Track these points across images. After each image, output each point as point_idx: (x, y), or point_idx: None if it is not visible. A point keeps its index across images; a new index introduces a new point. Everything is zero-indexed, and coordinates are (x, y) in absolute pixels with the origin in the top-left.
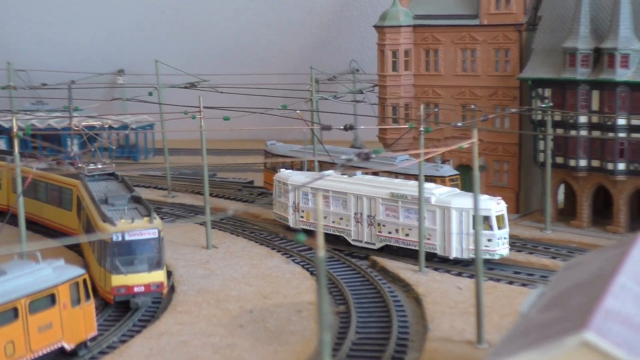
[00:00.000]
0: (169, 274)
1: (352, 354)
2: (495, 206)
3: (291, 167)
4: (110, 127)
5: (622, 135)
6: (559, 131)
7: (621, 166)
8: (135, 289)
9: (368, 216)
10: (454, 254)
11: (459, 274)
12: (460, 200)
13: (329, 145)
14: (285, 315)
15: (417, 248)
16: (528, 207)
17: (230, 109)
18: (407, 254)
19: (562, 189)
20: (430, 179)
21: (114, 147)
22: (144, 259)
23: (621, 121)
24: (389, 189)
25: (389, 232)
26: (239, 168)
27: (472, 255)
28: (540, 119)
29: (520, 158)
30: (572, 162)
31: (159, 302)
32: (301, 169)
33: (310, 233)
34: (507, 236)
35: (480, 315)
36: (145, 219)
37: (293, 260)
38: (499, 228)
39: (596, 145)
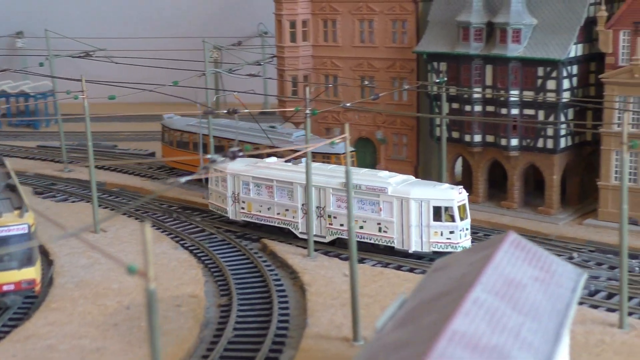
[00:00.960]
0: (51, 262)
1: (226, 355)
2: (457, 196)
3: (188, 143)
4: (6, 95)
5: (515, 111)
6: (454, 106)
7: (514, 142)
8: (4, 288)
9: (317, 207)
10: (414, 247)
11: (347, 258)
12: (420, 190)
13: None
14: (163, 312)
15: (373, 242)
16: (427, 179)
17: (117, 85)
18: (362, 248)
19: (460, 162)
20: (325, 156)
21: (13, 115)
22: (13, 255)
23: (514, 97)
24: (340, 178)
25: (341, 225)
26: (144, 137)
27: (433, 249)
28: (436, 93)
29: (418, 131)
30: (467, 137)
31: (36, 297)
32: (196, 145)
33: (251, 226)
34: (469, 227)
35: (355, 310)
36: (16, 212)
37: (183, 244)
38: (461, 219)
39: (490, 122)
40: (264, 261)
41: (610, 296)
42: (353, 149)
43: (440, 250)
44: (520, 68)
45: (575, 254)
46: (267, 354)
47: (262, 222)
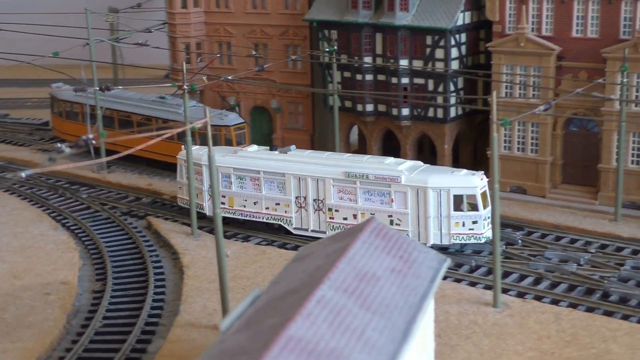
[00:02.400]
0: None
1: (91, 347)
2: (479, 182)
3: (78, 114)
4: None
5: (405, 80)
6: (346, 75)
7: (405, 112)
8: None
9: (315, 200)
10: (432, 240)
11: (234, 236)
12: (438, 178)
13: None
14: (29, 302)
15: None
16: (323, 149)
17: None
18: None
19: (356, 130)
20: (214, 128)
21: None
22: None
23: (404, 65)
24: (341, 167)
25: (344, 218)
26: (39, 104)
27: (454, 241)
28: (327, 61)
29: (313, 100)
30: (359, 107)
31: None
32: (79, 115)
33: (233, 222)
34: (490, 215)
35: (225, 299)
36: None
37: (64, 224)
38: (484, 207)
39: (381, 91)
40: (147, 241)
41: (489, 272)
42: (243, 121)
43: (463, 242)
44: (409, 37)
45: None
46: (134, 345)
47: (247, 218)
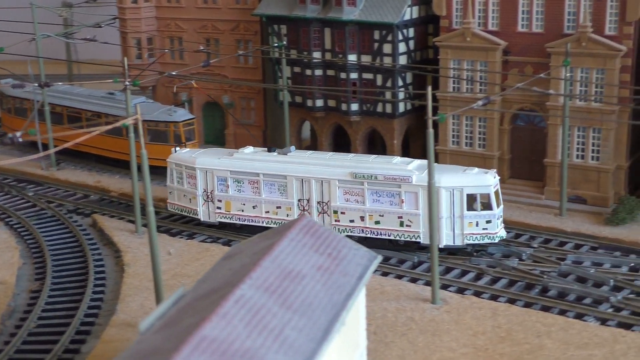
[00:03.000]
0: None
1: (23, 348)
2: (492, 181)
3: (27, 110)
4: None
5: (354, 75)
6: (296, 70)
7: (355, 107)
8: None
9: (319, 203)
10: (444, 241)
11: (179, 234)
12: (450, 177)
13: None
14: None
15: (393, 238)
16: (277, 144)
17: None
18: (378, 245)
19: (309, 126)
20: (164, 124)
21: None
22: None
23: (352, 60)
24: (347, 168)
25: (351, 221)
26: None
27: (467, 241)
28: (277, 57)
29: (265, 95)
30: (309, 102)
31: None
32: (27, 111)
33: (230, 227)
34: (502, 213)
35: (160, 296)
36: None
37: (8, 222)
38: (497, 206)
39: (331, 86)
40: (90, 239)
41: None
42: (192, 117)
43: (476, 242)
44: (357, 32)
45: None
46: (67, 345)
47: (245, 223)
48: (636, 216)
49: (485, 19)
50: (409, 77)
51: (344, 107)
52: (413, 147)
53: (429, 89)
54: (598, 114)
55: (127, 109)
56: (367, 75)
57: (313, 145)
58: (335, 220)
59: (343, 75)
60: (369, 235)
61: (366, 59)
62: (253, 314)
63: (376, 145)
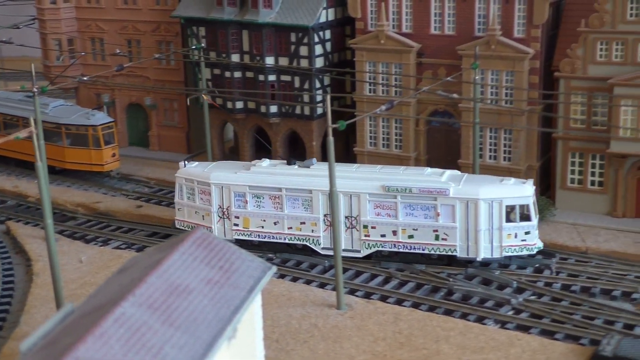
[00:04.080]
0: None
1: None
2: (531, 191)
3: None
4: None
5: (272, 77)
6: (215, 72)
7: (274, 109)
8: None
9: (347, 217)
10: (482, 254)
11: (94, 239)
12: (489, 189)
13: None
14: None
15: (428, 252)
16: (200, 146)
17: None
18: (410, 260)
19: (232, 127)
20: (82, 128)
21: None
22: None
23: (270, 63)
24: (378, 180)
25: (382, 235)
26: None
27: (505, 254)
28: (196, 59)
29: (187, 97)
30: (229, 104)
31: None
32: None
33: (248, 244)
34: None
35: (61, 308)
36: None
37: None
38: (535, 216)
39: (250, 88)
40: (2, 247)
41: (344, 271)
42: (111, 120)
43: (514, 254)
44: (273, 34)
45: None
46: None
47: (265, 240)
48: (546, 216)
49: (399, 21)
50: (326, 79)
51: (263, 109)
52: (336, 147)
53: (328, 98)
54: (508, 115)
55: (37, 114)
56: (285, 78)
57: (236, 146)
58: (365, 235)
59: (261, 77)
60: (401, 250)
61: (284, 61)
62: (132, 332)
63: (299, 147)
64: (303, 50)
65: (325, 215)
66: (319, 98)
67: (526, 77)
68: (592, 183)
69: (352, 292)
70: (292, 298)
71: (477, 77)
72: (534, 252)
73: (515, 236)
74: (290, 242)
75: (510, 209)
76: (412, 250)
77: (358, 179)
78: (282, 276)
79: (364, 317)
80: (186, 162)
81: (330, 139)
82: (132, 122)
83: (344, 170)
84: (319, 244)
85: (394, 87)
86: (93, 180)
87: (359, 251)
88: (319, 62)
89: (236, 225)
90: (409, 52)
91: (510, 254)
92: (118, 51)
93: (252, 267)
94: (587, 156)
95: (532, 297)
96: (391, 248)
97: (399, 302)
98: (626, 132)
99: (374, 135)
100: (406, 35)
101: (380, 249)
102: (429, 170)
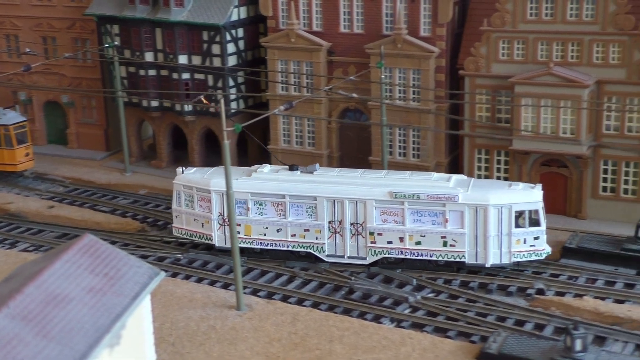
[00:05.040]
0: None
1: None
2: (540, 196)
3: None
4: None
5: (186, 75)
6: (131, 70)
7: (188, 107)
8: None
9: (352, 224)
10: (491, 260)
11: (1, 242)
12: (498, 195)
13: None
14: None
15: (433, 258)
16: (119, 144)
17: None
18: (417, 266)
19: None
20: None
21: None
22: None
23: (183, 61)
24: (384, 186)
25: (389, 242)
26: None
27: (514, 259)
28: (110, 57)
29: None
30: (144, 103)
31: None
32: None
33: (248, 252)
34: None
35: None
36: None
37: None
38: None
39: (165, 86)
40: None
41: (249, 271)
42: (24, 119)
43: (523, 259)
44: (186, 32)
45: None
46: None
47: (268, 248)
48: None
49: (310, 19)
50: (240, 77)
51: (178, 107)
52: (250, 146)
53: (222, 101)
54: (416, 113)
55: None
56: (199, 76)
57: (154, 144)
58: (372, 242)
59: (175, 75)
60: (408, 257)
61: (197, 59)
62: (2, 346)
63: (216, 144)
64: (215, 49)
65: (330, 222)
66: (233, 96)
67: (432, 75)
68: (498, 179)
69: (255, 292)
70: (194, 300)
71: (385, 75)
72: (543, 258)
73: (525, 242)
74: (294, 249)
75: (519, 214)
76: (419, 257)
77: (364, 185)
78: (187, 277)
79: (262, 318)
80: (183, 168)
81: (226, 142)
82: (51, 120)
83: (348, 176)
84: (324, 252)
85: (305, 87)
86: (6, 180)
87: (364, 258)
88: (232, 61)
89: (237, 232)
90: (319, 51)
91: (519, 259)
92: (28, 50)
93: (139, 273)
94: (493, 152)
95: (431, 295)
96: (398, 255)
97: (300, 302)
98: (527, 130)
99: (288, 132)
100: (317, 34)
101: (386, 255)
102: (435, 175)
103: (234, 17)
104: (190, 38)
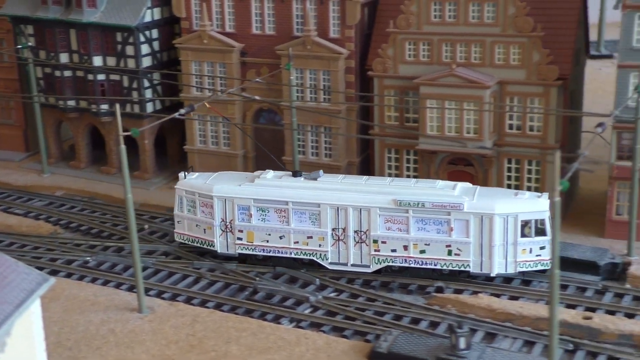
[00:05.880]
0: None
1: None
2: (547, 205)
3: None
4: None
5: (101, 77)
6: (47, 71)
7: (105, 108)
8: None
9: (356, 232)
10: (496, 269)
11: None
12: (504, 204)
13: None
14: None
15: (438, 267)
16: (36, 144)
17: None
18: (421, 275)
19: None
20: None
21: None
22: None
23: (98, 62)
24: (388, 194)
25: (393, 250)
26: None
27: (520, 269)
28: (24, 58)
29: (23, 94)
30: (61, 103)
31: None
32: None
33: (251, 259)
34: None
35: None
36: None
37: None
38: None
39: (81, 87)
40: None
41: (156, 273)
42: None
43: (529, 269)
44: (100, 34)
45: (146, 226)
46: None
47: (270, 254)
48: None
49: (223, 21)
50: (156, 77)
51: (95, 107)
52: (170, 145)
53: (118, 106)
54: (327, 113)
55: None
56: (115, 77)
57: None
58: (375, 250)
59: (90, 76)
60: (412, 265)
61: (112, 60)
62: None
63: (136, 145)
64: (130, 50)
65: (333, 229)
66: (149, 96)
67: (342, 76)
68: (408, 177)
69: (160, 294)
70: (96, 303)
71: (296, 76)
72: (549, 268)
73: (530, 251)
74: (297, 256)
75: (525, 224)
76: (423, 266)
77: (368, 193)
78: (94, 279)
79: (163, 320)
80: (186, 173)
81: (122, 147)
82: None
83: (353, 183)
84: (327, 259)
85: (218, 90)
86: None
87: (368, 266)
88: (147, 62)
89: (240, 239)
90: (232, 52)
91: (524, 269)
92: None
93: (27, 280)
94: (402, 152)
95: (332, 295)
96: (402, 263)
97: (204, 303)
98: (433, 130)
99: (203, 133)
100: (229, 35)
101: (390, 264)
102: (440, 183)
103: (148, 18)
104: (104, 39)
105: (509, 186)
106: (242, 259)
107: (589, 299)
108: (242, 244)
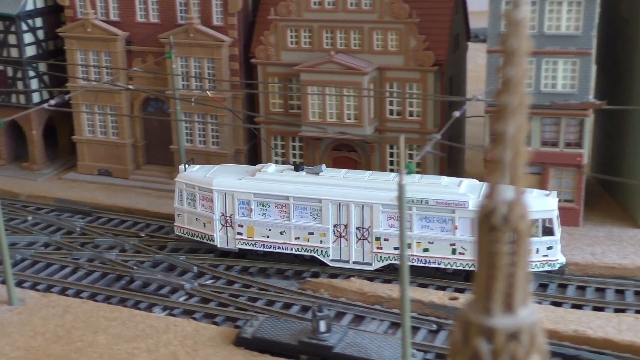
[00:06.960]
0: None
1: None
2: (555, 204)
3: None
4: None
5: None
6: None
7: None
8: None
9: (358, 228)
10: None
11: None
12: None
13: None
14: None
15: (442, 266)
16: None
17: None
18: (424, 273)
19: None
20: None
21: None
22: None
23: None
24: (391, 191)
25: (395, 248)
26: None
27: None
28: None
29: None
30: None
31: None
32: None
33: (252, 254)
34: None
35: None
36: None
37: None
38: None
39: None
40: None
41: (34, 264)
42: None
43: (535, 270)
44: None
45: (30, 217)
46: None
47: (270, 250)
48: None
49: (107, 9)
50: (42, 67)
51: None
52: (61, 136)
53: None
54: (212, 101)
55: None
56: None
57: None
58: (377, 248)
59: None
60: (415, 264)
61: None
62: None
63: (23, 137)
64: (12, 39)
65: (335, 226)
66: (34, 86)
67: (226, 64)
68: (294, 164)
69: (35, 285)
70: None
71: (181, 64)
72: (556, 268)
73: (537, 251)
74: (298, 253)
75: (532, 223)
76: (427, 264)
77: (370, 189)
78: None
79: (33, 312)
80: (186, 165)
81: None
82: None
83: (355, 179)
84: (328, 256)
85: (106, 82)
86: None
87: (370, 264)
88: (31, 51)
89: (240, 234)
90: (116, 41)
91: (531, 269)
92: None
93: None
94: (288, 139)
95: (209, 282)
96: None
97: (79, 294)
98: (315, 117)
99: (91, 123)
100: (114, 24)
101: (393, 262)
102: (445, 179)
103: (30, 7)
104: None
105: (392, 171)
106: (242, 254)
107: (459, 282)
108: (242, 238)
